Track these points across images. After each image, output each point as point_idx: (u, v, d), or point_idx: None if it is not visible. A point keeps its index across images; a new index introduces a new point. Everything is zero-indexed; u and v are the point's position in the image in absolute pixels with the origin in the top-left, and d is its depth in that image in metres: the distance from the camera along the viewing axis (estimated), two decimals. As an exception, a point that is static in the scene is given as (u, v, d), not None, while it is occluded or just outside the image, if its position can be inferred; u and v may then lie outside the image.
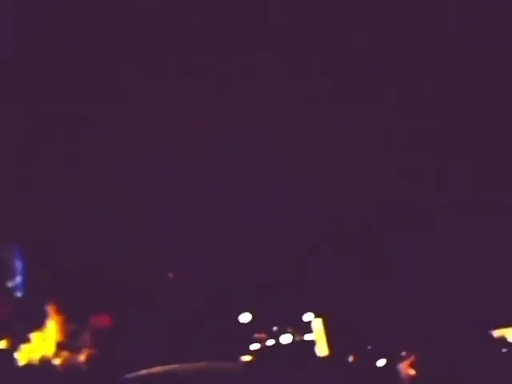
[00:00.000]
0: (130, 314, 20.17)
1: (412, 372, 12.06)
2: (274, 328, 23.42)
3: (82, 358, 19.53)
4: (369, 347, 20.84)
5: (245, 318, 23.02)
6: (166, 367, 6.94)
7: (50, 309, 19.81)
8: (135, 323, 20.03)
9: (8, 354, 18.47)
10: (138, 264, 20.78)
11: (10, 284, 20.09)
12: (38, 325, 19.67)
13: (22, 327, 19.27)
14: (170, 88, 19.70)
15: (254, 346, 22.96)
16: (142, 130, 20.06)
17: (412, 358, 12.49)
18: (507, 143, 19.69)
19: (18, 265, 20.28)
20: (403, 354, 13.76)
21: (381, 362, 18.14)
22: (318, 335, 23.23)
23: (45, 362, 19.13)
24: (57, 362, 19.46)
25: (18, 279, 20.20)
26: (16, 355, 18.72)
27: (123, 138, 19.96)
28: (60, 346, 19.67)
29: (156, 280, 21.77)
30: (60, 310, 19.81)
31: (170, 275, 22.31)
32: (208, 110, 19.92)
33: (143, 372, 7.26)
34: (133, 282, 20.75)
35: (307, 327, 23.42)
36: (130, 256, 20.42)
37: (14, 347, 18.91)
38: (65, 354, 19.61)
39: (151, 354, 17.26)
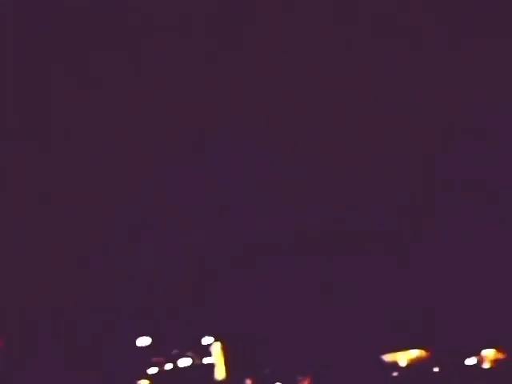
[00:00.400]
0: (24, 337, 19.69)
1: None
2: (173, 351, 23.31)
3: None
4: (265, 371, 21.06)
5: (143, 341, 22.81)
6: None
7: None
8: (29, 347, 19.57)
9: None
10: (34, 285, 20.34)
11: None
12: None
13: None
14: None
15: (152, 370, 22.78)
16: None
17: (307, 382, 12.73)
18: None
19: None
20: (299, 378, 13.99)
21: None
22: (216, 359, 23.27)
23: None
24: None
25: None
26: None
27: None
28: None
29: (51, 303, 21.33)
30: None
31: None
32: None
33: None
34: (27, 305, 20.27)
35: (206, 351, 23.43)
36: (24, 276, 19.97)
37: None
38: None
39: (46, 379, 16.90)
